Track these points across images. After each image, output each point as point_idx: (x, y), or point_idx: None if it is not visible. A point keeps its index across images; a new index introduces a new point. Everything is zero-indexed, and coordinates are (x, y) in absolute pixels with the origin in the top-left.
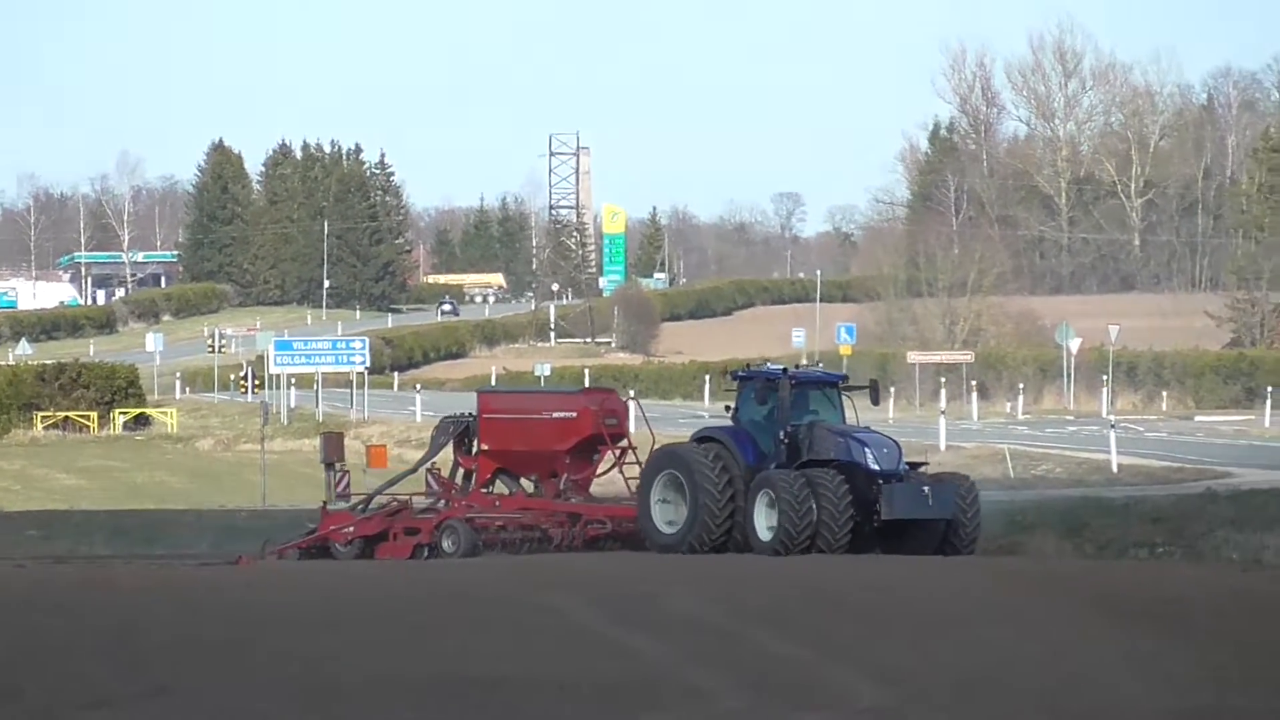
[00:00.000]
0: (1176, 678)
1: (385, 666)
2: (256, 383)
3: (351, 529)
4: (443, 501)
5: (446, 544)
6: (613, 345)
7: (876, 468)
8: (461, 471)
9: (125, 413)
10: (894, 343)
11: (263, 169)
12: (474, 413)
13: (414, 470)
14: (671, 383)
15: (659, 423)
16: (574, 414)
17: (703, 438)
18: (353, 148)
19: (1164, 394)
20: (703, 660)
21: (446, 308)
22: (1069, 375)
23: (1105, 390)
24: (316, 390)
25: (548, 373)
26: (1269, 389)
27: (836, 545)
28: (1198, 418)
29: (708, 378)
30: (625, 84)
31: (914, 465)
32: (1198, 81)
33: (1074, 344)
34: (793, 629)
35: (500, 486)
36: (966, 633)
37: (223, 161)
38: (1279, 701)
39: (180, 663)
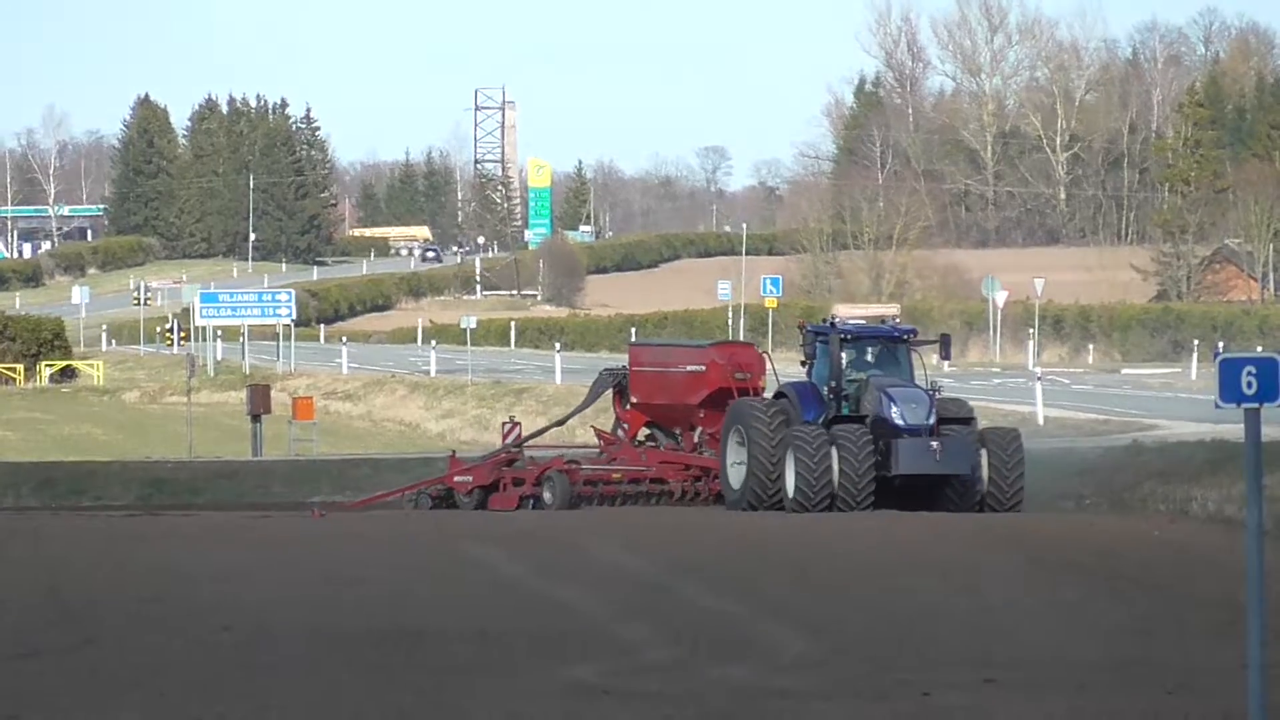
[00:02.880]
0: (1103, 628)
1: (316, 618)
2: (183, 335)
3: (470, 478)
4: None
5: (546, 494)
6: (538, 298)
7: (901, 423)
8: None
9: (51, 365)
10: (820, 295)
11: (188, 123)
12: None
13: (562, 422)
14: (597, 335)
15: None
16: (703, 367)
17: (777, 393)
18: (278, 102)
19: (1090, 347)
20: (632, 613)
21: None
22: (995, 328)
23: (1031, 343)
24: (243, 343)
25: (474, 325)
26: (1195, 341)
27: (858, 503)
28: (1124, 370)
29: (634, 330)
30: (551, 38)
31: (962, 420)
32: (1123, 36)
33: (1000, 297)
34: (723, 582)
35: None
36: (894, 585)
37: (148, 116)
38: (1206, 652)
39: (107, 615)
